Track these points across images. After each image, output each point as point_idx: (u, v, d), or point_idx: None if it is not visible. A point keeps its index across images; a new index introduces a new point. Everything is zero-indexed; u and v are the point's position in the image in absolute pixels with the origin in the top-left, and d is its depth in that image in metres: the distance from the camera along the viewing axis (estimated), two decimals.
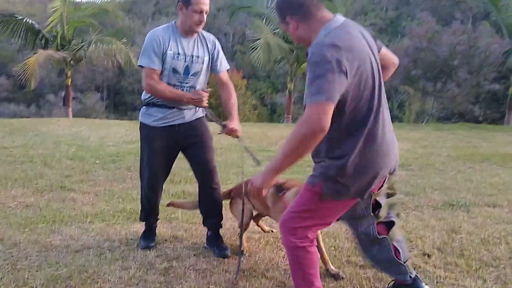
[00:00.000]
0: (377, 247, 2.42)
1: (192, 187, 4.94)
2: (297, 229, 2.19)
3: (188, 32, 3.03)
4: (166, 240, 3.44)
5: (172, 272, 2.87)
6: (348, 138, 2.07)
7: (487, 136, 12.18)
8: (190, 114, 3.15)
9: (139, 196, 4.64)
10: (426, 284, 2.53)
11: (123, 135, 9.64)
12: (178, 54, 3.00)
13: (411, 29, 20.20)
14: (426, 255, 3.22)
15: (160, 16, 44.08)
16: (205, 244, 3.32)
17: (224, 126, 3.05)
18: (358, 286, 2.74)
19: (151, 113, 3.13)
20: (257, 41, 15.29)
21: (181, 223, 3.86)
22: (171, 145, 3.16)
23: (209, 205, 3.26)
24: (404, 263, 2.43)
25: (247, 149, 3.10)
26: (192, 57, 3.05)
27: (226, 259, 3.10)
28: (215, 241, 3.24)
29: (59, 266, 2.91)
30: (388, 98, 14.04)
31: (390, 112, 2.26)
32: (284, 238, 2.24)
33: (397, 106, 29.40)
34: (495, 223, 4.01)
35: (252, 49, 15.89)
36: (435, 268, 3.01)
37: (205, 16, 2.95)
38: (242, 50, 35.29)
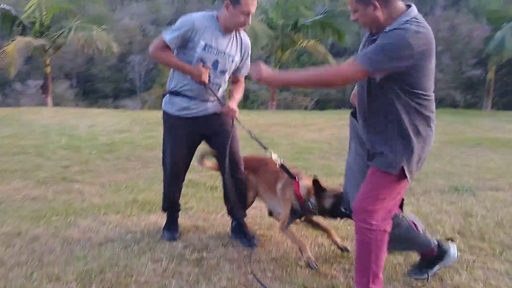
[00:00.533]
0: (397, 227, 2.48)
1: (197, 175, 4.88)
2: (376, 211, 2.26)
3: (229, 30, 2.96)
4: (188, 230, 3.39)
5: (205, 263, 2.83)
6: (428, 119, 2.27)
7: (470, 121, 12.47)
8: (213, 106, 3.09)
9: (147, 187, 4.65)
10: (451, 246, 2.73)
11: (112, 124, 9.46)
12: (210, 46, 2.92)
13: None
14: (450, 240, 3.27)
15: (130, 2, 42.96)
16: (229, 234, 3.30)
17: (223, 105, 3.05)
18: (391, 272, 2.77)
19: (174, 102, 3.06)
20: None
21: (198, 212, 3.82)
22: (193, 135, 3.11)
23: (235, 195, 3.22)
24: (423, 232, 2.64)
25: (252, 134, 3.15)
26: (224, 54, 2.98)
27: (255, 249, 3.07)
28: (241, 231, 3.22)
29: (88, 260, 2.83)
30: None
31: None
32: (359, 220, 2.30)
33: None
34: (504, 207, 4.11)
35: None
36: (461, 252, 3.06)
37: (250, 18, 2.88)
38: None
